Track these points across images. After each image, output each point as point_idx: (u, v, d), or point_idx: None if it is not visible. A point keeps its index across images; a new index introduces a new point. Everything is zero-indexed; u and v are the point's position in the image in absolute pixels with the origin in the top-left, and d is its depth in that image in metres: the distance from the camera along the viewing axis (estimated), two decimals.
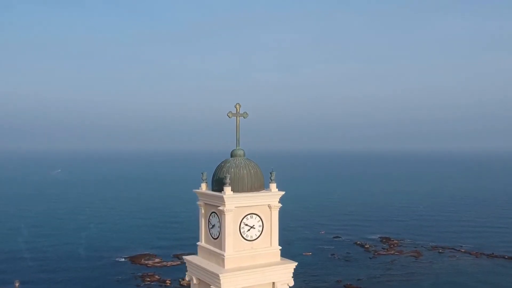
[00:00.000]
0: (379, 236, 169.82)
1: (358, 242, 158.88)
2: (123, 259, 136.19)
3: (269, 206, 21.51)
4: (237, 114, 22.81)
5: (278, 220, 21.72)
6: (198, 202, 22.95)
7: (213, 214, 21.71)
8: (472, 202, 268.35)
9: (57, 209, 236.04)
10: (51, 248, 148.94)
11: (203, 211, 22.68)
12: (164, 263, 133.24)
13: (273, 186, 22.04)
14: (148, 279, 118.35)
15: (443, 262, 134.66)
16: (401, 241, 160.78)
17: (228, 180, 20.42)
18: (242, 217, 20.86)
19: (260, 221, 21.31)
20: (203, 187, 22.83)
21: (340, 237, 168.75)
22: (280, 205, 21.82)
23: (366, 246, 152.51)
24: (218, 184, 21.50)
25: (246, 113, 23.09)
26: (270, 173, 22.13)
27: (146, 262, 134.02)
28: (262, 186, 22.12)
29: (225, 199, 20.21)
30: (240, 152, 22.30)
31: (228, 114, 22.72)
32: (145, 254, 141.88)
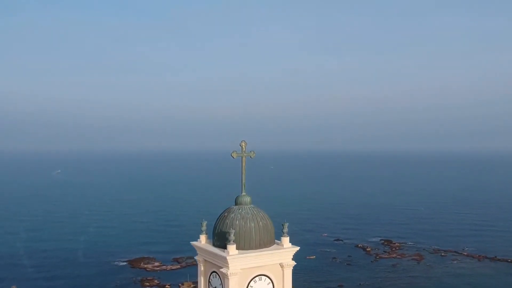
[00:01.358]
0: (380, 238, 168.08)
1: (359, 245, 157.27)
2: (122, 263, 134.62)
3: (281, 265, 18.99)
4: (242, 154, 20.10)
5: (291, 280, 19.19)
6: (196, 257, 20.43)
7: (214, 273, 19.04)
8: (474, 204, 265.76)
9: (57, 212, 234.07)
10: (50, 253, 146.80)
11: (202, 269, 20.00)
12: (164, 267, 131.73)
13: (285, 240, 19.45)
14: (148, 283, 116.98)
15: (446, 265, 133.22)
16: (402, 244, 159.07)
17: (232, 237, 17.85)
18: (249, 280, 18.30)
19: (271, 283, 18.75)
20: (203, 239, 20.15)
21: (341, 240, 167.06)
22: (294, 263, 19.31)
23: (367, 249, 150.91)
24: (220, 239, 18.83)
25: (253, 152, 20.49)
26: (282, 225, 19.72)
27: (146, 266, 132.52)
28: (272, 240, 19.51)
29: (229, 261, 17.64)
30: (247, 200, 19.52)
31: (232, 155, 20.08)
32: (144, 257, 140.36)
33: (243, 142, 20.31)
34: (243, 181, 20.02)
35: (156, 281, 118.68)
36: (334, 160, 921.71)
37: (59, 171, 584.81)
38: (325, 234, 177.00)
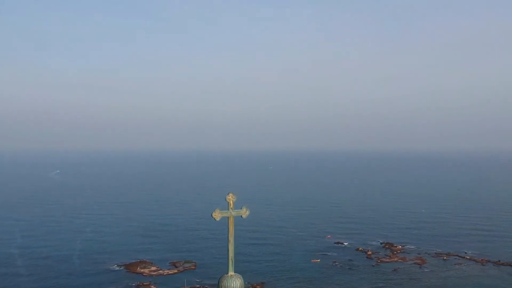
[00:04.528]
0: (381, 242, 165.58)
1: (360, 249, 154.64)
2: (118, 268, 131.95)
3: None
4: (229, 213, 13.46)
5: None
6: None
7: None
8: (476, 206, 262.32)
9: (54, 215, 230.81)
10: (45, 257, 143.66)
11: None
12: (161, 271, 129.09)
13: None
14: None
15: (448, 269, 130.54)
16: (404, 247, 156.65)
17: None
18: None
19: None
20: None
21: (342, 243, 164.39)
22: None
23: (368, 253, 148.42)
24: None
25: (246, 209, 14.20)
26: None
27: (142, 270, 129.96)
28: None
29: None
30: (236, 284, 12.84)
31: (214, 216, 13.44)
32: (141, 261, 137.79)
33: (230, 195, 13.86)
34: (231, 255, 13.07)
35: (152, 286, 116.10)
36: (334, 161, 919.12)
37: (58, 171, 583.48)
38: (329, 236, 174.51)
